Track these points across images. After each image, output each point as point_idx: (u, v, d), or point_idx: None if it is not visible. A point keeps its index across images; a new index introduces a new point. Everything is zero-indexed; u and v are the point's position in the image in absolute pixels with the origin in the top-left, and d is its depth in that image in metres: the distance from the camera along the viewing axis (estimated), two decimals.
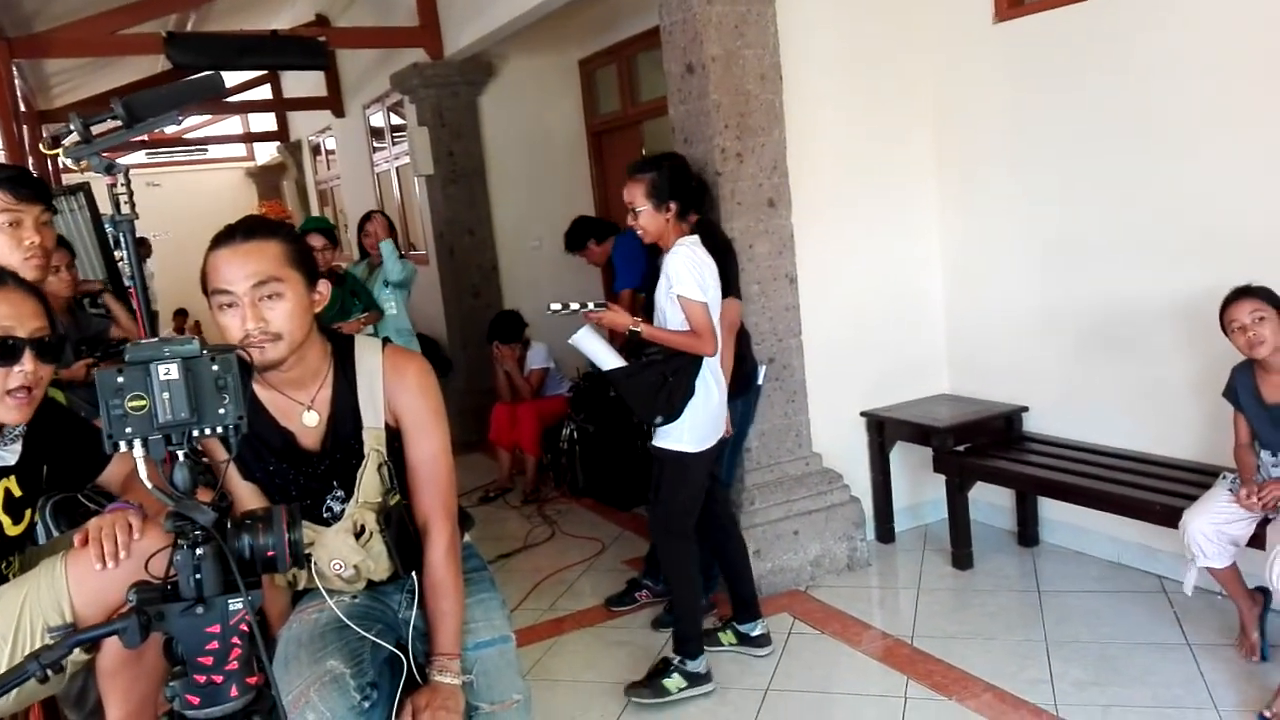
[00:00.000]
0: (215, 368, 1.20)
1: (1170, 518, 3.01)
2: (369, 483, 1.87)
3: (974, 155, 4.09)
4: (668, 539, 3.16)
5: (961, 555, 3.84)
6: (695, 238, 3.08)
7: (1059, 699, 2.87)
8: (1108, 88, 3.53)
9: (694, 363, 3.01)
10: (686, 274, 2.95)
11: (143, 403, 1.16)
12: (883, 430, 4.09)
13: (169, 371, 1.17)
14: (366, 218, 5.29)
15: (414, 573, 1.90)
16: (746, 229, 3.73)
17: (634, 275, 4.34)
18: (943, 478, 3.88)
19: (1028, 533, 4.01)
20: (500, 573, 4.10)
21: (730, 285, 3.32)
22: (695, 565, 3.19)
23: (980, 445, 3.88)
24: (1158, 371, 3.52)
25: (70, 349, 3.14)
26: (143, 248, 12.11)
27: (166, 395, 1.17)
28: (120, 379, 1.17)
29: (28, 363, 1.65)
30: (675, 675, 3.09)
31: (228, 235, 1.74)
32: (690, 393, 3.01)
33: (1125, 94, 3.48)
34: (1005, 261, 4.03)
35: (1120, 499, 3.27)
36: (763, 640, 3.34)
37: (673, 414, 3.02)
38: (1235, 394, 2.94)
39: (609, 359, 3.08)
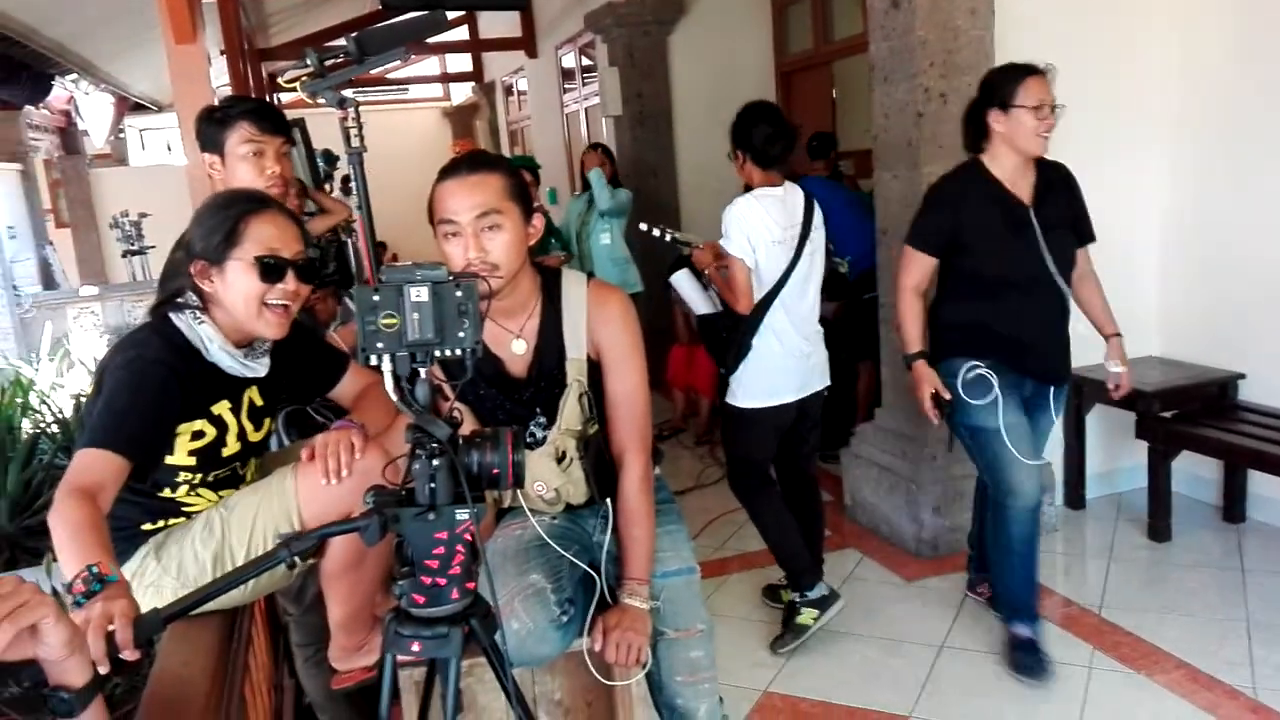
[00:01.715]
0: (459, 294, 1.28)
1: None
2: (570, 411, 1.94)
3: (1208, 106, 3.77)
4: (740, 495, 3.21)
5: (1160, 527, 3.64)
6: (767, 190, 3.00)
7: (1258, 683, 2.71)
8: None
9: (751, 319, 2.95)
10: (734, 227, 2.93)
11: (394, 321, 1.26)
12: (1081, 391, 3.88)
13: (419, 294, 1.25)
14: (590, 149, 5.55)
15: (608, 499, 1.98)
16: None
17: None
18: (1142, 445, 3.67)
19: (1234, 508, 3.75)
20: None
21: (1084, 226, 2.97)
22: (776, 507, 3.16)
23: (1189, 412, 3.64)
24: None
25: None
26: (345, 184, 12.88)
27: (416, 315, 1.26)
28: (376, 297, 1.27)
29: (290, 282, 1.78)
30: (804, 611, 3.12)
31: (454, 168, 1.82)
32: (745, 350, 2.98)
33: None
34: (1231, 217, 3.72)
35: None
36: (829, 600, 3.17)
37: (729, 369, 3.03)
38: None
39: (698, 304, 3.11)
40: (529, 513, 1.94)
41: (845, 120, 6.41)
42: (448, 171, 1.82)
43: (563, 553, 1.92)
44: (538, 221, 1.90)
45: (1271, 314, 3.61)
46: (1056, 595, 3.32)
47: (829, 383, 3.21)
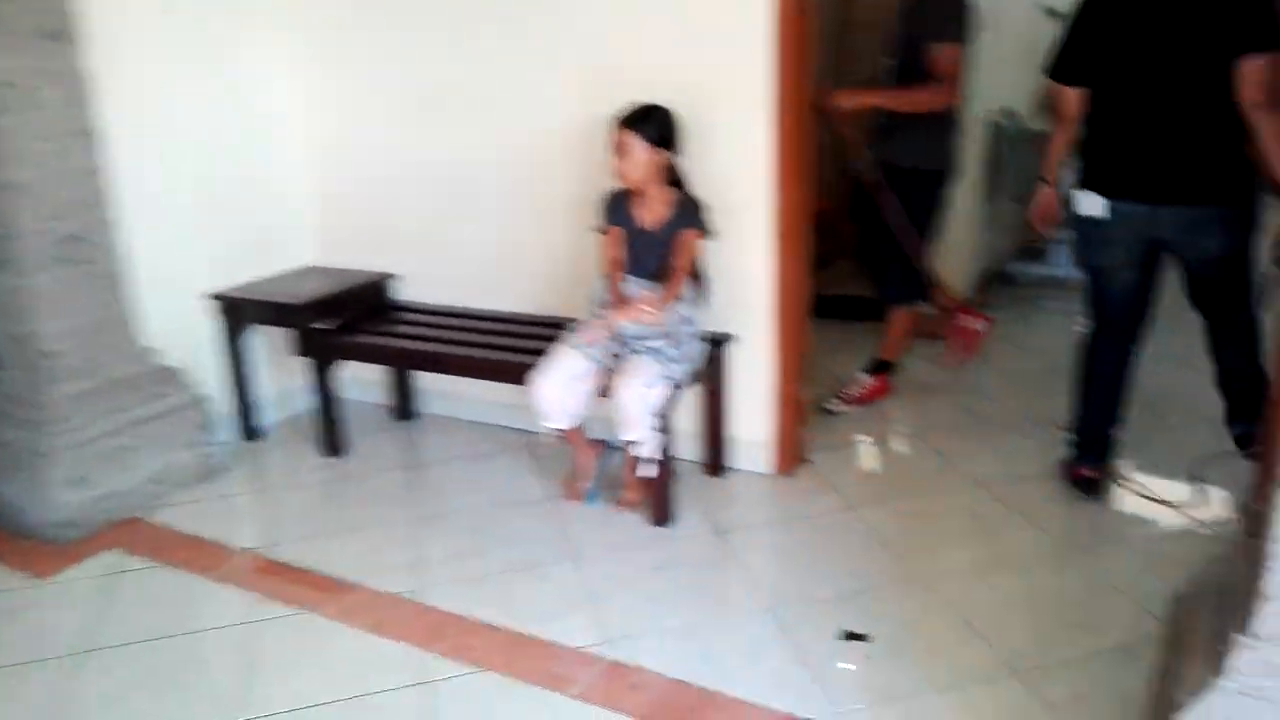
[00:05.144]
0: None
1: (526, 377, 2.92)
2: None
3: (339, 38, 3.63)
4: None
5: (334, 442, 3.50)
6: None
7: (429, 581, 2.70)
8: None
9: None
10: None
11: None
12: (238, 313, 3.52)
13: None
14: None
15: None
16: (21, 68, 2.83)
17: None
18: (310, 361, 3.46)
19: (405, 407, 3.80)
20: None
21: None
22: None
23: (351, 320, 3.49)
24: (505, 227, 3.48)
25: None
26: None
27: None
28: None
29: None
30: None
31: None
32: None
33: None
34: (371, 122, 3.66)
35: (481, 364, 3.15)
36: None
37: None
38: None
39: None
40: None
41: None
42: None
43: None
44: None
45: (412, 213, 3.67)
46: (230, 545, 2.94)
47: None
